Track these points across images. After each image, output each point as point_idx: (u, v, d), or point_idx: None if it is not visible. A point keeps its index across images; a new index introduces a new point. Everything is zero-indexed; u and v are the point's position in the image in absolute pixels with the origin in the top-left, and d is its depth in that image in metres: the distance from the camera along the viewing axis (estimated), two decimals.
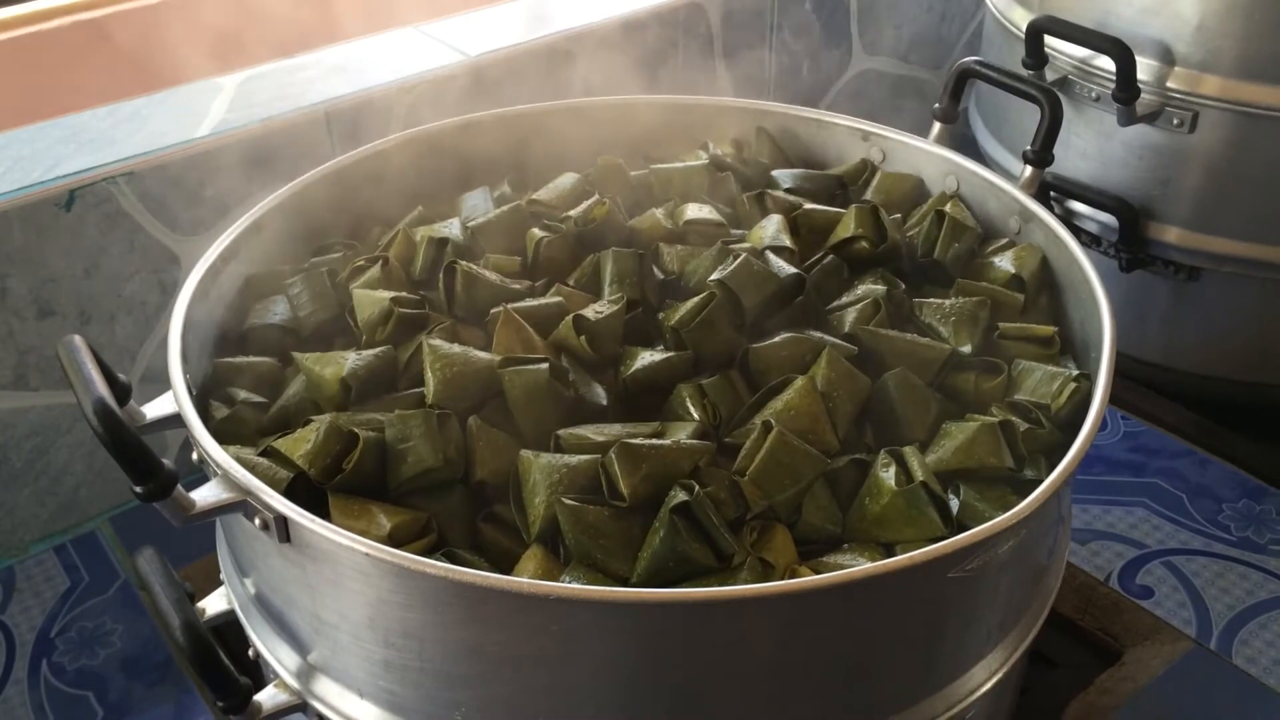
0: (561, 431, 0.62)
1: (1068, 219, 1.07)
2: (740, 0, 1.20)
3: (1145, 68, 0.97)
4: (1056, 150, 0.82)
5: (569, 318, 0.68)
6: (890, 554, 0.59)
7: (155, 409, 0.64)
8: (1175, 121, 0.97)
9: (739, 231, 0.79)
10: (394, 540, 0.58)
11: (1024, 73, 1.02)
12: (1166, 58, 0.96)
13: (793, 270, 0.72)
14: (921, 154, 0.85)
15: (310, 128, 0.95)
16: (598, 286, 0.73)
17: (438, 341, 0.65)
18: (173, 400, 0.62)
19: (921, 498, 0.60)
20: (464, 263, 0.72)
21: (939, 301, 0.73)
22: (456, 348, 0.65)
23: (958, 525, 0.60)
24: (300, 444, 0.61)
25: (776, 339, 0.68)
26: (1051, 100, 0.81)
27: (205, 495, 0.56)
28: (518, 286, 0.73)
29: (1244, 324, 1.03)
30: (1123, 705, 0.80)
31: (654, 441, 0.59)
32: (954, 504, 0.62)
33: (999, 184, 0.80)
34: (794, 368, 0.67)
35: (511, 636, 0.53)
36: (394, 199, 0.83)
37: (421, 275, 0.75)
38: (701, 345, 0.68)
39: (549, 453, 0.61)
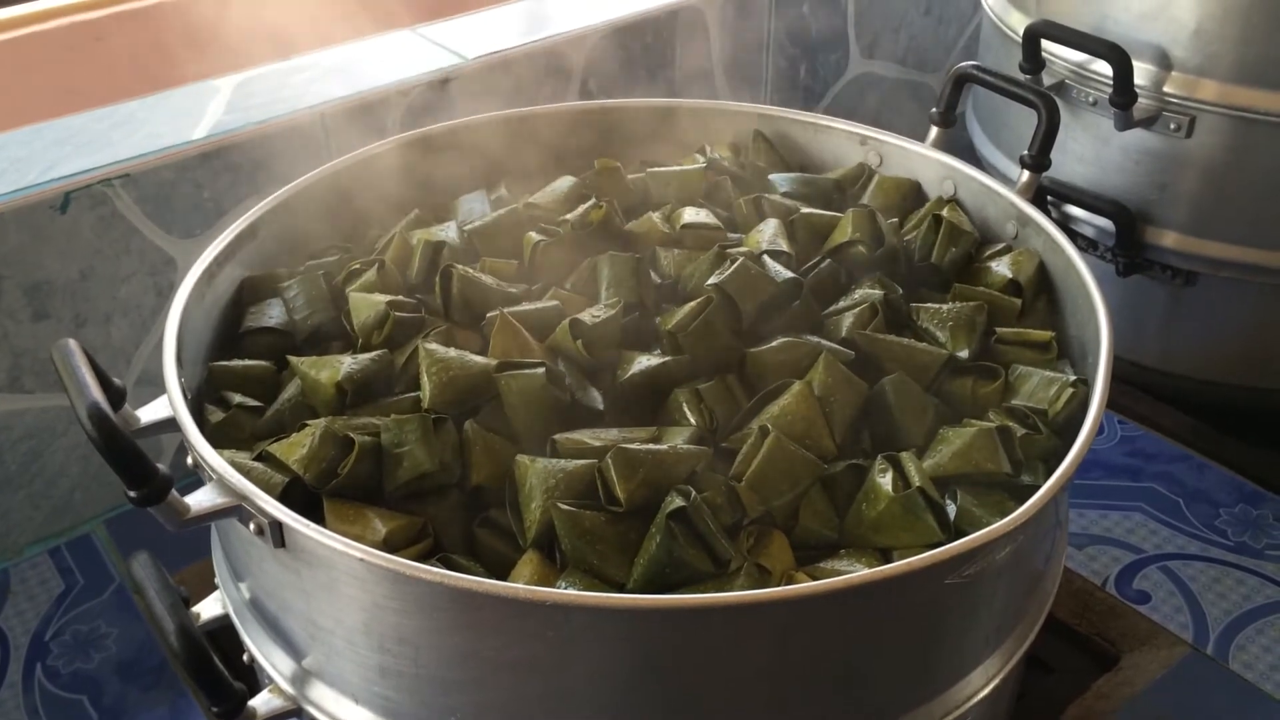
0: (558, 436, 0.62)
1: (1064, 223, 1.07)
2: (738, 3, 1.19)
3: (1142, 72, 0.97)
4: (1053, 154, 0.82)
5: (566, 322, 0.67)
6: (887, 560, 0.59)
7: (150, 413, 0.64)
8: (1172, 126, 0.97)
9: (736, 235, 0.79)
10: (389, 545, 0.57)
11: (1021, 77, 1.02)
12: (1164, 62, 0.96)
13: (790, 274, 0.72)
14: (919, 158, 0.85)
15: (307, 130, 0.95)
16: (595, 290, 0.73)
17: (434, 345, 0.65)
18: (168, 404, 0.61)
19: (919, 503, 0.60)
20: (460, 266, 0.72)
21: (936, 306, 0.73)
22: (453, 352, 0.65)
23: (955, 531, 0.60)
24: (295, 448, 0.61)
25: (774, 343, 0.68)
26: (1049, 105, 0.81)
27: (200, 500, 0.56)
28: (514, 290, 0.73)
29: (1241, 328, 1.03)
30: (1119, 710, 0.80)
31: (651, 447, 0.59)
32: (951, 509, 0.62)
33: (996, 189, 0.80)
34: (791, 372, 0.66)
35: (507, 642, 0.53)
36: (390, 202, 0.83)
37: (418, 279, 0.75)
38: (698, 350, 0.68)
39: (545, 457, 0.60)
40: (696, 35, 1.18)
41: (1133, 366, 1.09)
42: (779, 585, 0.57)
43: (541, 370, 0.63)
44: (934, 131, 0.88)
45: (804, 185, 0.85)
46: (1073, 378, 0.68)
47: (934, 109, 0.88)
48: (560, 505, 0.57)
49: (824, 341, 0.69)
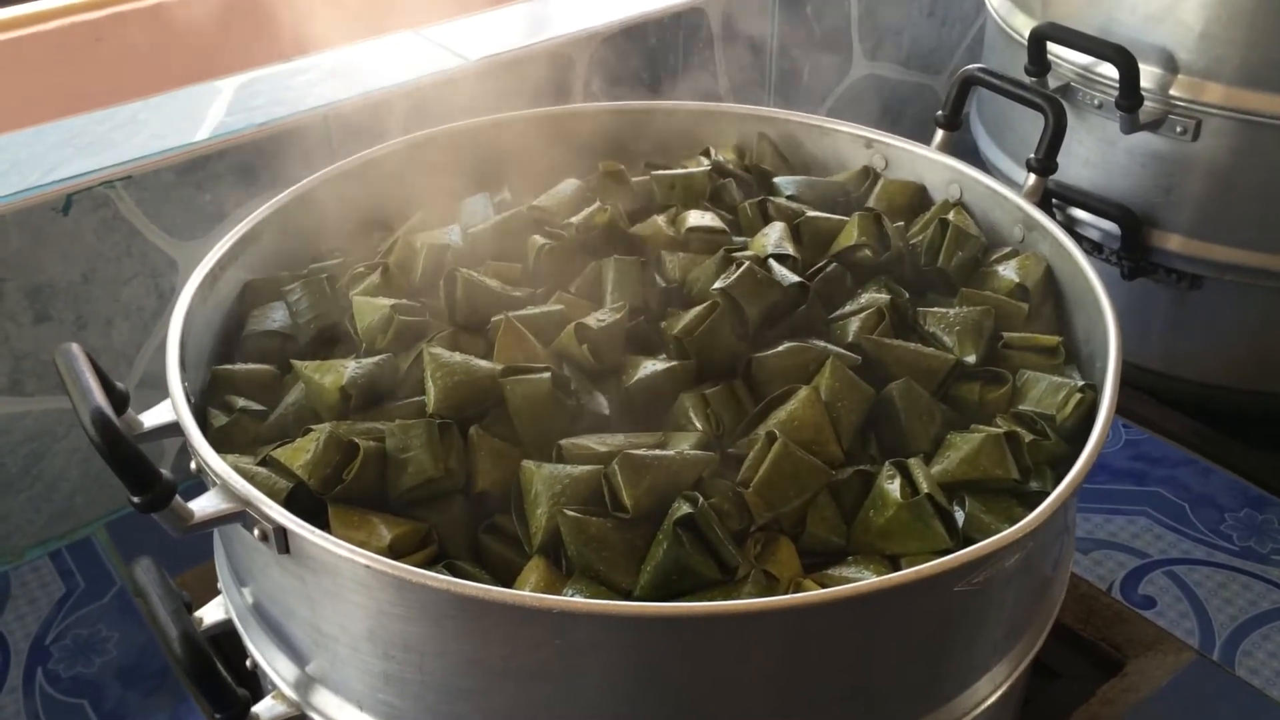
0: (564, 441, 0.61)
1: (1069, 226, 1.07)
2: (741, 5, 1.19)
3: (1148, 75, 0.96)
4: (1058, 157, 0.82)
5: (571, 326, 0.67)
6: (895, 567, 0.59)
7: (153, 417, 0.64)
8: (1178, 129, 0.97)
9: (741, 239, 0.79)
10: (394, 552, 0.57)
11: (1026, 80, 1.02)
12: (1170, 65, 0.96)
13: (795, 278, 0.71)
14: (924, 161, 0.85)
15: (310, 132, 0.95)
16: (599, 294, 0.72)
17: (438, 350, 0.64)
18: (171, 408, 0.61)
19: (927, 510, 0.59)
20: (465, 270, 0.71)
21: (943, 311, 0.73)
22: (457, 356, 0.64)
23: (963, 538, 0.60)
24: (299, 453, 0.60)
25: (780, 348, 0.68)
26: (1056, 108, 0.81)
27: (204, 506, 0.56)
28: (519, 294, 0.72)
29: (1246, 332, 1.03)
30: (1124, 716, 0.79)
31: (657, 453, 0.59)
32: (959, 516, 0.61)
33: (1003, 192, 0.80)
34: (798, 377, 0.66)
35: (513, 650, 0.53)
36: (394, 204, 0.82)
37: (422, 282, 0.74)
38: (704, 354, 0.67)
39: (551, 463, 0.60)
40: (699, 37, 1.17)
41: (1138, 370, 1.09)
42: (786, 593, 0.57)
43: (547, 375, 0.63)
44: (939, 134, 0.88)
45: (809, 188, 0.84)
46: (1080, 383, 0.67)
47: (939, 112, 0.88)
48: (566, 511, 0.57)
49: (830, 346, 0.68)
